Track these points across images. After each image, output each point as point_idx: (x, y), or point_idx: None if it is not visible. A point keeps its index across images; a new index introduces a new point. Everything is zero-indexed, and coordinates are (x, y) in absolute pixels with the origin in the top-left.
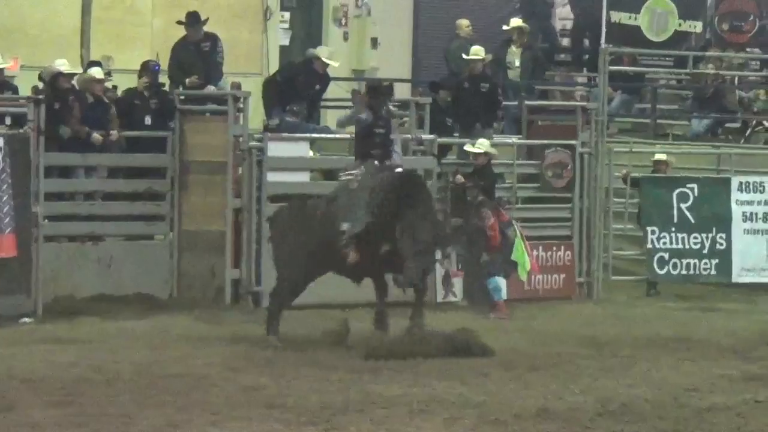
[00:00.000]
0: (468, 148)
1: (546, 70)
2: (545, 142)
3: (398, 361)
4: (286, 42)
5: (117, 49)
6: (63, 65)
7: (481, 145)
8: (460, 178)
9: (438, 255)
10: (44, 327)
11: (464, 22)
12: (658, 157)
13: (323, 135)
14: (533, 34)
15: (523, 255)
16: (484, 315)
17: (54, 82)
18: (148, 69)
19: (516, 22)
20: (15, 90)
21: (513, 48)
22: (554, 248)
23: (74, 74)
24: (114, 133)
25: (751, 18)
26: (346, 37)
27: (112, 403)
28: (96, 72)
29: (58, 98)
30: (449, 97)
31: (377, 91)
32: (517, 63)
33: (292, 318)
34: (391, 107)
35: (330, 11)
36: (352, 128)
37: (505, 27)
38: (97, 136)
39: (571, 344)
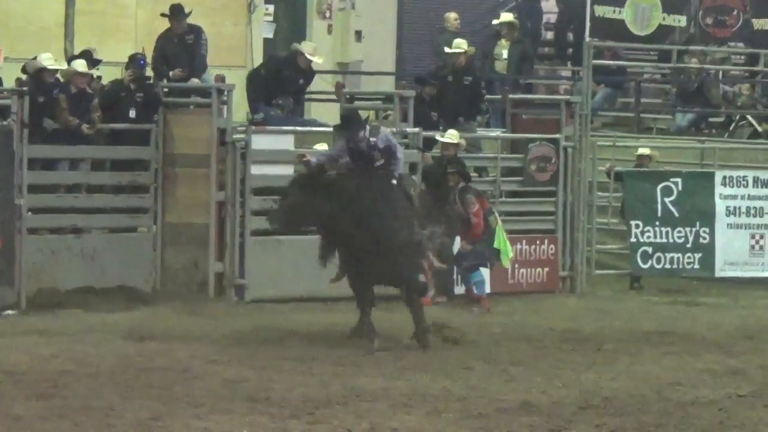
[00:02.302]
0: (438, 137)
1: (534, 65)
2: (529, 135)
3: (382, 354)
4: (270, 35)
5: (101, 42)
6: (48, 60)
7: (451, 136)
8: (428, 156)
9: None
10: (27, 319)
11: (452, 15)
12: (642, 151)
13: (308, 128)
14: (523, 28)
15: (505, 242)
16: (466, 309)
17: (38, 76)
18: (134, 62)
19: (506, 16)
20: None
21: (502, 41)
22: (538, 242)
23: (58, 69)
24: (95, 121)
25: (735, 12)
26: (330, 30)
27: (94, 395)
28: (80, 65)
29: (41, 91)
30: (434, 91)
31: (351, 121)
32: (505, 55)
33: (274, 311)
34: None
35: (314, 4)
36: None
37: (495, 21)
38: (86, 127)
39: (555, 338)
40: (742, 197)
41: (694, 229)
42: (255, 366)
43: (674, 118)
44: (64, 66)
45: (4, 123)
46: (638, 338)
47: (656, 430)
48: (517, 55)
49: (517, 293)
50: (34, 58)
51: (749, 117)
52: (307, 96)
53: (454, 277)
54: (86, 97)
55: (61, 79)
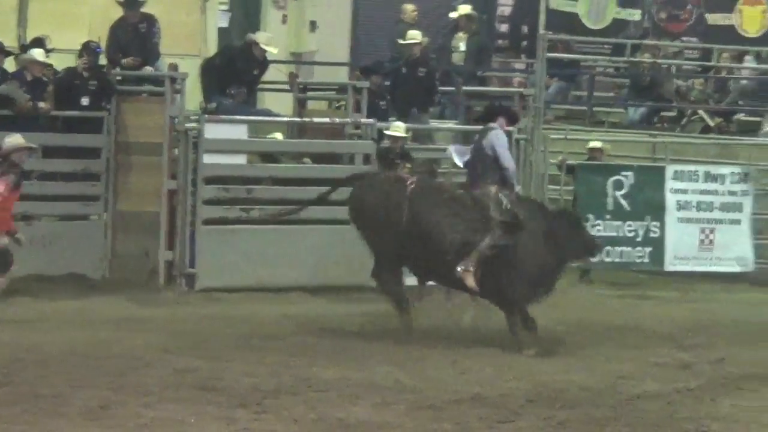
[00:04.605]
0: (387, 132)
1: (491, 58)
2: (482, 127)
3: (335, 344)
4: (225, 24)
5: (55, 29)
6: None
7: (397, 128)
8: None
9: None
10: None
11: (409, 7)
12: (593, 144)
13: (261, 118)
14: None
15: None
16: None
17: None
18: (89, 50)
19: (464, 8)
20: None
21: (460, 34)
22: None
23: (11, 54)
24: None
25: (689, 7)
26: (284, 20)
27: (44, 383)
28: (38, 54)
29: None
30: (381, 81)
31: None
32: (463, 47)
33: (224, 301)
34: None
35: None
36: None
37: (452, 14)
38: (43, 105)
39: (505, 331)
40: (693, 192)
41: (644, 223)
42: (205, 355)
43: (627, 112)
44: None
45: None
46: (588, 332)
47: (605, 423)
48: (474, 48)
49: None
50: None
51: (701, 112)
52: (260, 86)
53: None
54: (41, 84)
55: (18, 66)
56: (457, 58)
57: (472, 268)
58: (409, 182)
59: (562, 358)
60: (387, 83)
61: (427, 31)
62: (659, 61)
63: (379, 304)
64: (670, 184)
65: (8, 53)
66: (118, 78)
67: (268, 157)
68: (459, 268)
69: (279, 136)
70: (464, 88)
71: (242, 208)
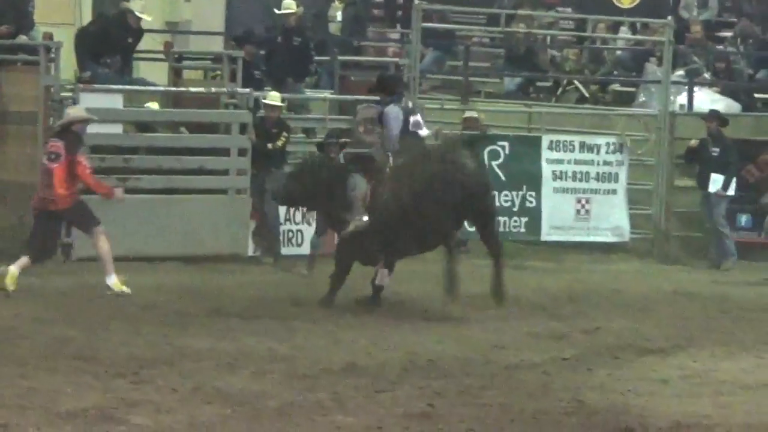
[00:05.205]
0: (264, 101)
1: (366, 27)
2: (357, 97)
3: (209, 314)
4: None
5: None
6: None
7: (273, 98)
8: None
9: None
10: None
11: None
12: (469, 114)
13: (136, 87)
14: None
15: None
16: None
17: None
18: None
19: None
20: None
21: (336, 3)
22: None
23: None
24: None
25: None
26: None
27: None
28: None
29: None
30: (254, 50)
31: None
32: (339, 17)
33: (100, 271)
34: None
35: None
36: None
37: None
38: None
39: (383, 301)
40: (569, 162)
41: (520, 193)
42: (81, 325)
43: (502, 82)
44: None
45: None
46: (464, 301)
47: (480, 393)
48: (350, 17)
49: None
50: None
51: (576, 82)
52: (136, 55)
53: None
54: None
55: None
56: (334, 28)
57: None
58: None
59: (437, 329)
60: (261, 52)
61: (302, 1)
62: (534, 31)
63: (252, 275)
64: (545, 154)
65: None
66: None
67: (144, 126)
68: None
69: (155, 105)
70: (339, 57)
71: (118, 177)
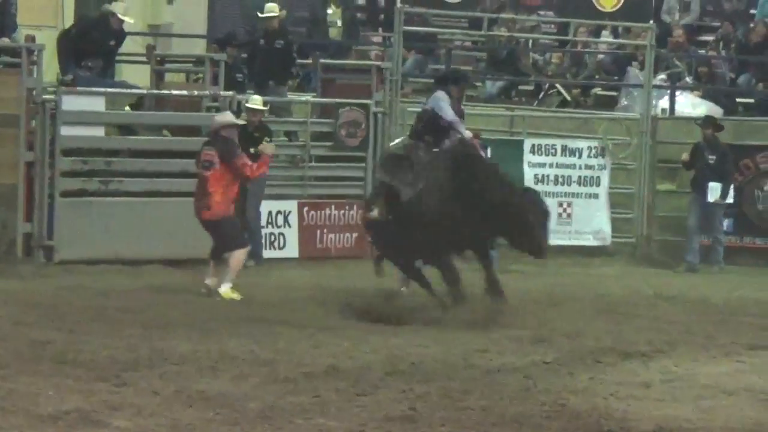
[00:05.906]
0: (246, 105)
1: (361, 31)
2: (339, 100)
3: (190, 317)
4: None
5: None
6: None
7: (255, 101)
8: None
9: None
10: None
11: None
12: None
13: (119, 90)
14: None
15: None
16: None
17: None
18: None
19: None
20: None
21: (333, 8)
22: (346, 207)
23: None
24: None
25: None
26: None
27: None
28: None
29: None
30: (236, 53)
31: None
32: (339, 22)
33: (82, 273)
34: None
35: None
36: None
37: None
38: None
39: (362, 303)
40: (551, 165)
41: None
42: (62, 328)
43: (484, 86)
44: None
45: None
46: (445, 305)
47: (462, 396)
48: (348, 21)
49: (325, 258)
50: None
51: (558, 86)
52: (118, 58)
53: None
54: None
55: None
56: (334, 33)
57: None
58: None
59: (419, 332)
60: (243, 55)
61: (287, 4)
62: (516, 35)
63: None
64: (527, 157)
65: None
66: None
67: (126, 129)
68: None
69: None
70: (321, 61)
71: (101, 180)
